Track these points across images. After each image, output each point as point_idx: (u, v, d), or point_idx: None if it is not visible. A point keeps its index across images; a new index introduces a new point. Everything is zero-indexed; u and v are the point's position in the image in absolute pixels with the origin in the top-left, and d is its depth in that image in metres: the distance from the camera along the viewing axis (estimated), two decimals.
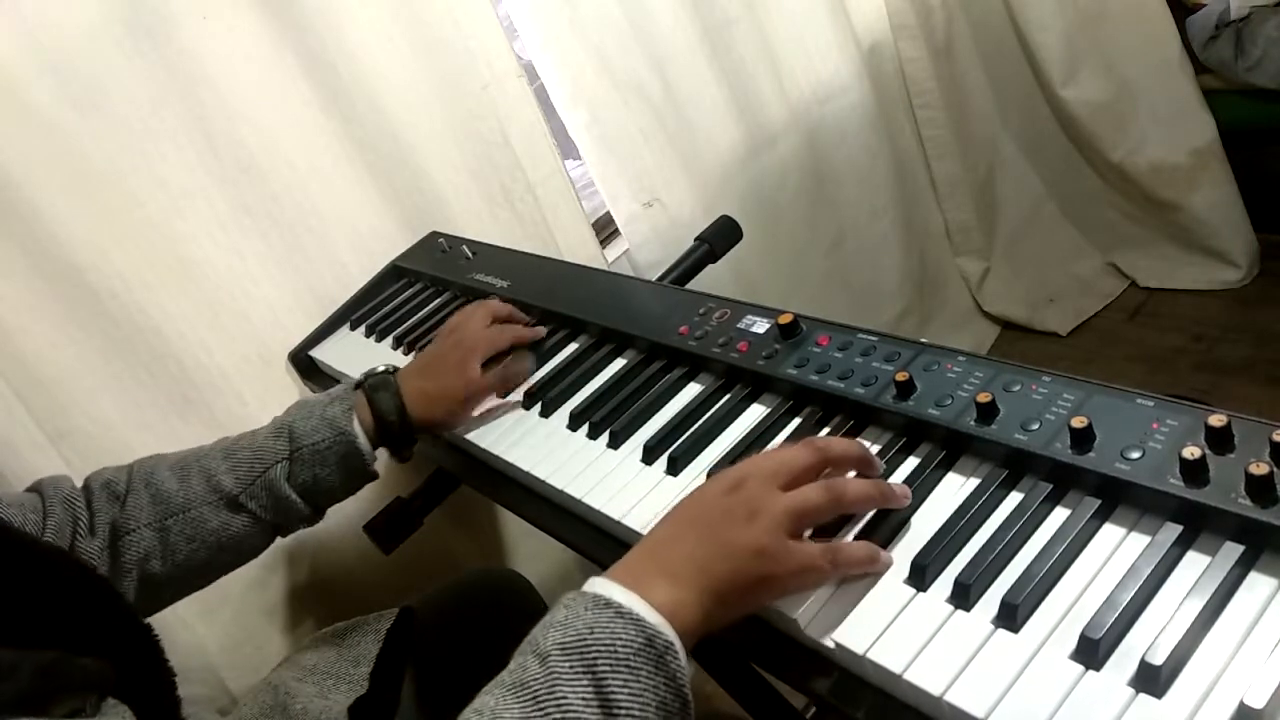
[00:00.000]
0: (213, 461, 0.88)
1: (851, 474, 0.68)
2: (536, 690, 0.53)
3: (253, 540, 0.90)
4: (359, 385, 0.93)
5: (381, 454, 0.94)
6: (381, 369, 0.95)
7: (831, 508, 0.63)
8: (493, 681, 0.56)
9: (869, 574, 0.61)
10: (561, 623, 0.56)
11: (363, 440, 0.89)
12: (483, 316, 1.00)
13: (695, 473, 0.77)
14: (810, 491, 0.62)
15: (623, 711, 0.53)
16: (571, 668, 0.53)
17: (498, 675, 0.56)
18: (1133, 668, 0.50)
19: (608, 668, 0.53)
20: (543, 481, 0.83)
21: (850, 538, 0.64)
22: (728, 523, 0.61)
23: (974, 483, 0.66)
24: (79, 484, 0.88)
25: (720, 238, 1.24)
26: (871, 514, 0.65)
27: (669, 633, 0.56)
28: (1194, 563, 0.55)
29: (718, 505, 0.62)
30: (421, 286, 1.26)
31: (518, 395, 0.97)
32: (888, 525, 0.64)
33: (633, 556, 0.61)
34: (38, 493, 0.86)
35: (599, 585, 0.58)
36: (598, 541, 0.77)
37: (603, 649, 0.54)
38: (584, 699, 0.53)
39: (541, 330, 1.02)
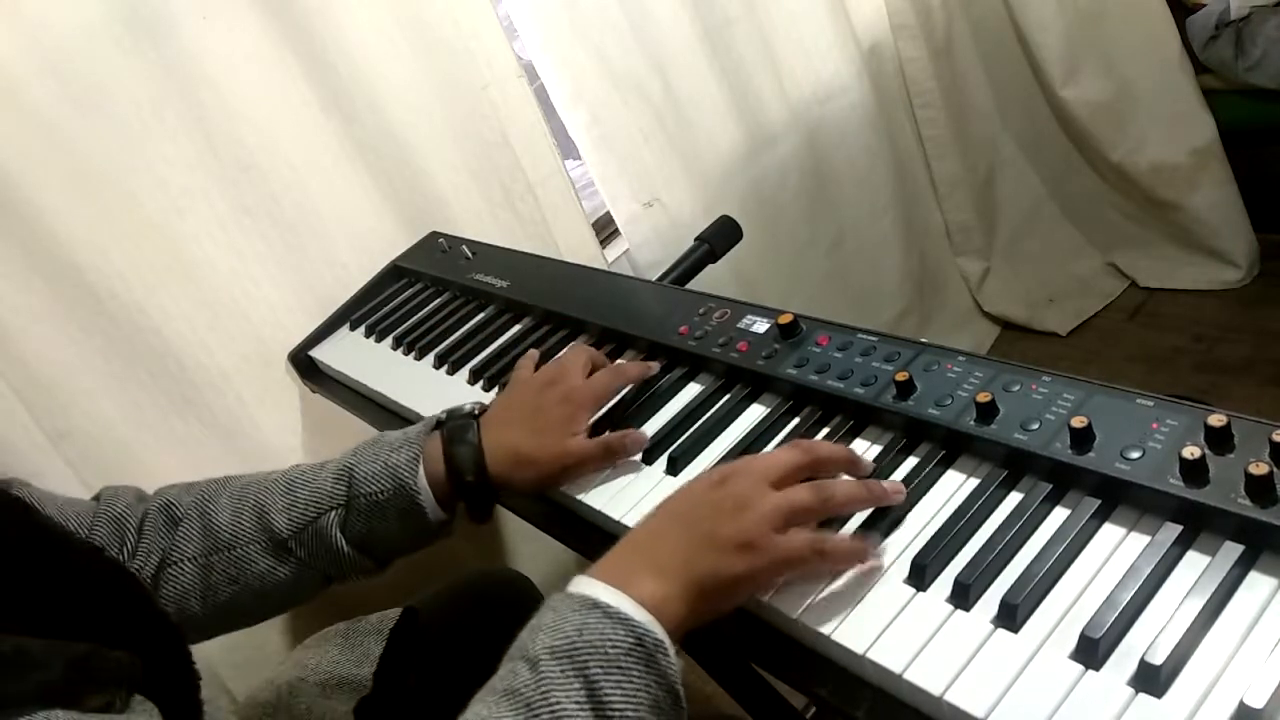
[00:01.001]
0: (272, 495, 0.80)
1: (843, 476, 0.68)
2: (529, 696, 0.53)
3: (302, 588, 0.81)
4: (438, 425, 0.82)
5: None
6: (467, 408, 0.83)
7: (820, 508, 0.62)
8: (483, 689, 0.56)
9: (858, 567, 0.61)
10: (550, 626, 0.56)
11: (426, 496, 0.77)
12: (583, 363, 0.85)
13: (695, 472, 0.77)
14: (799, 491, 0.62)
15: (616, 713, 0.53)
16: (563, 672, 0.53)
17: (488, 682, 0.56)
18: (1133, 667, 0.50)
19: (599, 670, 0.53)
20: None
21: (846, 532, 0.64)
22: (714, 516, 0.61)
23: (974, 483, 0.66)
24: (146, 494, 0.85)
25: (720, 238, 1.24)
26: (869, 511, 0.65)
27: (658, 630, 0.56)
28: (1194, 563, 0.55)
29: (704, 500, 0.62)
30: (422, 286, 1.26)
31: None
32: (884, 522, 0.64)
33: (617, 552, 0.61)
34: (95, 501, 0.83)
35: (584, 585, 0.58)
36: (598, 542, 0.77)
37: (593, 651, 0.54)
38: (577, 703, 0.53)
39: (655, 366, 0.88)
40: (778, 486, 0.62)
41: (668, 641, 0.56)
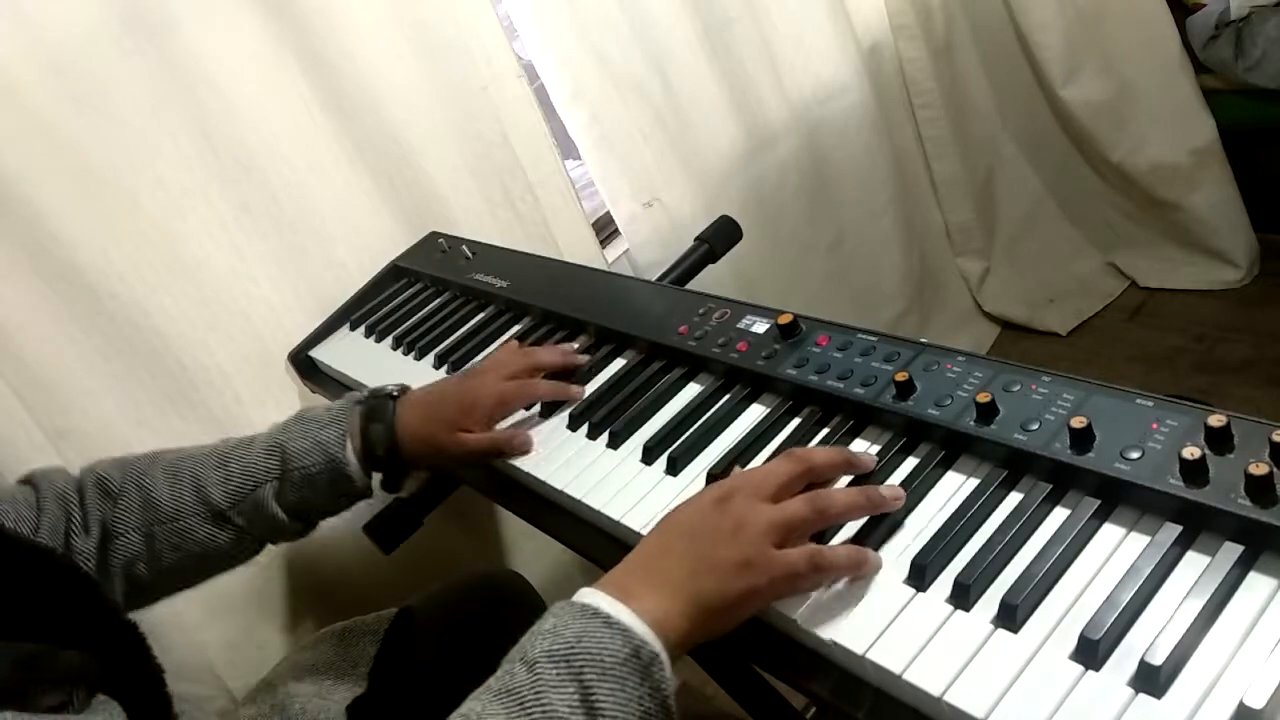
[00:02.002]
0: (206, 470, 0.87)
1: (842, 482, 0.68)
2: (523, 696, 0.53)
3: (240, 550, 0.90)
4: (361, 402, 0.91)
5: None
6: (388, 390, 0.92)
7: (817, 520, 0.63)
8: (480, 688, 0.56)
9: (856, 577, 0.61)
10: (550, 631, 0.56)
11: (354, 467, 0.87)
12: (514, 364, 0.91)
13: (695, 473, 0.77)
14: (795, 505, 0.63)
15: (607, 718, 0.53)
16: (558, 675, 0.54)
17: (485, 682, 0.56)
18: (1132, 668, 0.50)
19: (594, 676, 0.54)
20: (542, 482, 0.83)
21: (842, 539, 0.65)
22: (714, 537, 0.61)
23: (974, 483, 0.66)
24: (70, 473, 0.88)
25: (720, 238, 1.24)
26: (866, 517, 0.65)
27: (655, 644, 0.56)
28: (1194, 563, 0.55)
29: (705, 519, 0.63)
30: (421, 286, 1.26)
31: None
32: (882, 526, 0.64)
33: (622, 568, 0.62)
34: (31, 485, 0.86)
35: (588, 595, 0.59)
36: (598, 542, 0.77)
37: (590, 657, 0.54)
38: (570, 706, 0.53)
39: (576, 393, 0.91)
40: (776, 499, 0.63)
41: (664, 656, 0.56)
